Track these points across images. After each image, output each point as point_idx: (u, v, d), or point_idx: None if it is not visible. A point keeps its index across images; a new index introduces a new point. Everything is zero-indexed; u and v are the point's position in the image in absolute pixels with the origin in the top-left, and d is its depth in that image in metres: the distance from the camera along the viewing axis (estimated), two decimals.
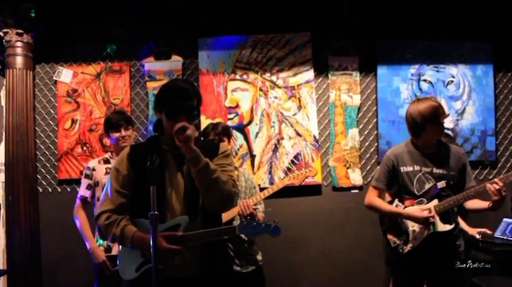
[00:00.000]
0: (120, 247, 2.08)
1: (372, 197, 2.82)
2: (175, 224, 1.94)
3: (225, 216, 2.82)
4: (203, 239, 1.97)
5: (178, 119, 1.91)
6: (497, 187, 2.50)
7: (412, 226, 2.69)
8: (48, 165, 4.06)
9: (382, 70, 4.05)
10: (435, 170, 2.70)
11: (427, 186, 2.69)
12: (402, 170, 2.72)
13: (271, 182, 3.87)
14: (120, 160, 2.07)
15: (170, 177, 2.00)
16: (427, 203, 2.68)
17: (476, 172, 4.04)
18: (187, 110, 1.95)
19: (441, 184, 2.68)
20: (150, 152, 1.87)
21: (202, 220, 2.01)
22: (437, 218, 2.64)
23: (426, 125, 2.64)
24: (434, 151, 2.73)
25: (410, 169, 2.71)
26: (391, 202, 2.80)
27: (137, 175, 2.00)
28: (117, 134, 3.07)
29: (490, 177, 3.98)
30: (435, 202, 2.67)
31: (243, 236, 2.94)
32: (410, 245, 2.66)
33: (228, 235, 2.02)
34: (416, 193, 2.70)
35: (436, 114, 2.63)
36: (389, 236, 2.77)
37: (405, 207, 2.71)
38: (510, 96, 4.14)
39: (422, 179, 2.71)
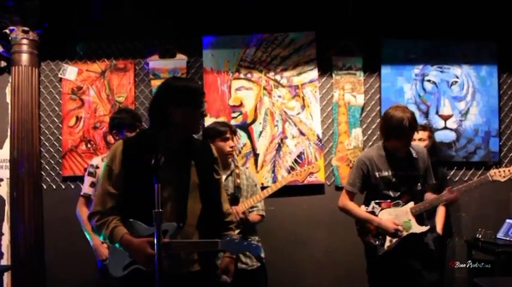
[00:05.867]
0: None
1: (345, 200, 2.94)
2: (163, 230, 1.91)
3: None
4: (187, 249, 2.00)
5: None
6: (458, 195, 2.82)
7: None
8: (52, 162, 4.08)
9: (386, 70, 4.04)
10: (408, 173, 2.79)
11: (402, 189, 2.77)
12: (377, 175, 2.79)
13: (275, 181, 3.88)
14: (112, 156, 1.99)
15: (163, 176, 1.89)
16: (403, 205, 2.75)
17: (479, 172, 4.02)
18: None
19: (416, 187, 2.79)
20: (147, 150, 1.87)
21: (200, 225, 2.05)
22: (413, 219, 2.75)
23: (412, 132, 2.74)
24: (405, 154, 2.82)
25: (385, 173, 2.79)
26: (367, 204, 2.85)
27: (128, 173, 1.96)
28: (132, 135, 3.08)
29: None
30: (411, 204, 2.76)
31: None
32: (387, 245, 2.71)
33: (210, 249, 2.03)
34: (392, 195, 2.77)
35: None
36: (367, 238, 2.81)
37: (382, 209, 2.77)
38: None
39: (397, 183, 2.77)
